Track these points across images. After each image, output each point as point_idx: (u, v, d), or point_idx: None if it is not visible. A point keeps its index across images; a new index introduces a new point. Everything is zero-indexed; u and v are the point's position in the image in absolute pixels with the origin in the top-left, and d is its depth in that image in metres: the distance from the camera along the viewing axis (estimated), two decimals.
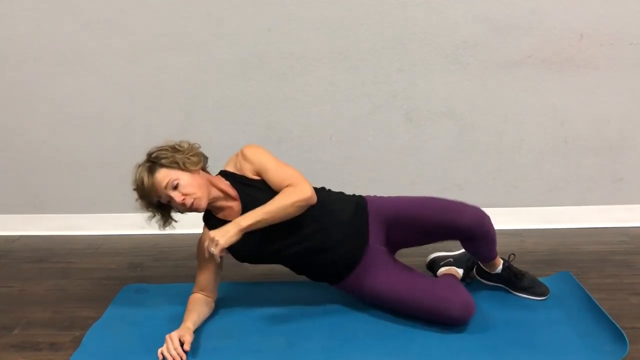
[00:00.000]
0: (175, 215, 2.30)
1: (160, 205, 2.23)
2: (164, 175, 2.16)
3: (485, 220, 2.18)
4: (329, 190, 2.39)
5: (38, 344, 2.24)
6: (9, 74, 3.18)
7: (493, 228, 2.22)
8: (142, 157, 2.23)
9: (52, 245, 3.23)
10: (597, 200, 3.16)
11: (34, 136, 3.28)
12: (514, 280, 2.39)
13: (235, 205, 2.25)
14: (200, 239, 2.32)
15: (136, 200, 2.22)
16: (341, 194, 2.39)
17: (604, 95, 3.02)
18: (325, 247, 2.23)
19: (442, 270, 2.51)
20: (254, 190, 2.22)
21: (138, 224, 3.24)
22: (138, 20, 3.06)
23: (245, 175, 2.26)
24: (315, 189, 2.28)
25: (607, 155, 3.10)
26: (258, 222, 2.11)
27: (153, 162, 2.18)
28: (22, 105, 3.23)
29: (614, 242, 2.93)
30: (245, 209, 2.20)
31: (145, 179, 2.15)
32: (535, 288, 2.37)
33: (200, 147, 2.30)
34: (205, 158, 2.31)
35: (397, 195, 2.40)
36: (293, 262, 2.32)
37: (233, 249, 2.24)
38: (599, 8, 2.90)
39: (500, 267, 2.38)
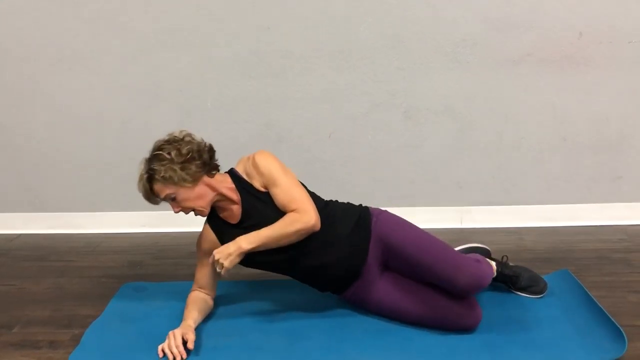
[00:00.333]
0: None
1: None
2: (160, 189, 2.18)
3: (483, 283, 2.11)
4: (335, 202, 2.34)
5: (37, 342, 2.24)
6: (8, 73, 3.18)
7: (491, 279, 2.17)
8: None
9: (51, 244, 3.23)
10: (597, 199, 3.15)
11: (34, 135, 3.28)
12: (509, 282, 2.38)
13: (236, 208, 2.25)
14: (200, 236, 2.32)
15: None
16: (346, 205, 2.33)
17: (603, 94, 3.02)
18: (324, 264, 2.22)
19: None
20: (257, 201, 2.22)
21: (137, 222, 3.27)
22: (138, 20, 3.05)
23: (253, 185, 2.24)
24: (322, 202, 2.28)
25: (606, 154, 3.10)
26: (259, 246, 2.14)
27: (150, 173, 2.17)
28: (22, 104, 3.23)
29: (613, 240, 2.93)
30: (245, 215, 2.22)
31: (143, 191, 2.21)
32: (533, 287, 2.36)
33: (206, 144, 2.24)
34: (212, 152, 2.26)
35: (400, 209, 2.33)
36: (289, 273, 2.31)
37: None
38: (598, 6, 2.90)
39: (495, 274, 2.34)
